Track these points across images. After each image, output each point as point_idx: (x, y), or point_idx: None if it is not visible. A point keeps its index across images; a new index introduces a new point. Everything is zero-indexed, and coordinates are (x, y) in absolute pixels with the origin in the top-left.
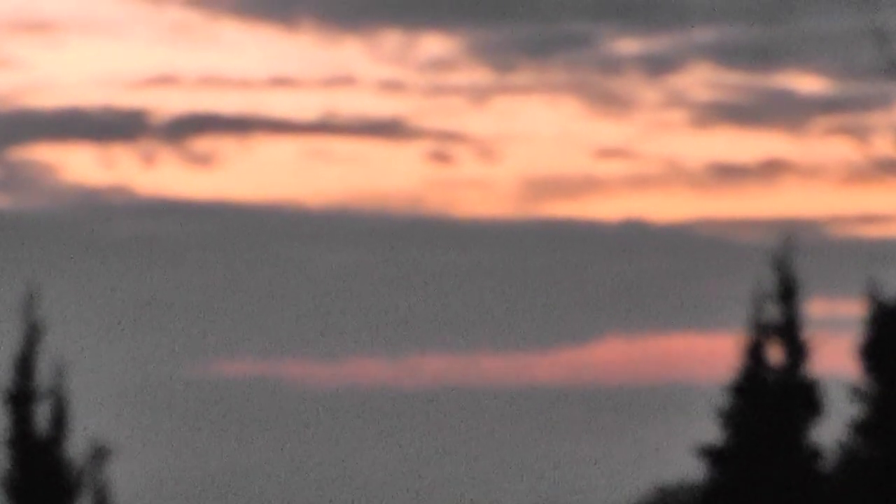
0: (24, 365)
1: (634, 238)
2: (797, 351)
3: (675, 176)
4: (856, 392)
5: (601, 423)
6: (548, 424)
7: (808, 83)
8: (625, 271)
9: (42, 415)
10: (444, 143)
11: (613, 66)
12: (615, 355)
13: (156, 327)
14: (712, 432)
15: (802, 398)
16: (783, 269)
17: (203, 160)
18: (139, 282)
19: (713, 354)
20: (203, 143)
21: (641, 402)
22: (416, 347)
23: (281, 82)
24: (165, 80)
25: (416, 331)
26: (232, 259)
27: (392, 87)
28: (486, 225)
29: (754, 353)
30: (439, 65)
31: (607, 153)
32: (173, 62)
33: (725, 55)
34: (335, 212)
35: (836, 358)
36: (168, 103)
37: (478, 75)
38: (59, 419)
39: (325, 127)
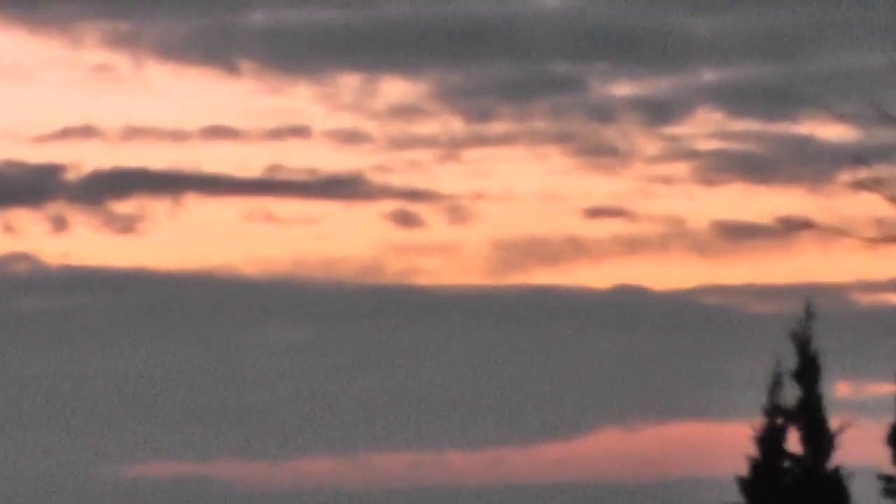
0: None
1: (629, 308)
2: (820, 438)
3: (677, 237)
4: (888, 483)
5: None
6: None
7: (830, 130)
8: (618, 347)
9: None
10: (408, 201)
11: (605, 112)
12: (608, 448)
13: (68, 421)
14: None
15: (827, 491)
16: (803, 344)
17: (126, 224)
18: (47, 362)
19: (723, 444)
20: (126, 205)
21: (640, 500)
22: (373, 442)
23: (218, 133)
24: (82, 132)
25: (373, 422)
26: (157, 337)
27: (348, 137)
28: (456, 295)
29: (771, 442)
30: (402, 112)
31: (598, 212)
32: (92, 111)
33: (735, 99)
34: (279, 282)
35: (864, 445)
36: (85, 158)
37: (447, 124)
38: None
39: (270, 185)
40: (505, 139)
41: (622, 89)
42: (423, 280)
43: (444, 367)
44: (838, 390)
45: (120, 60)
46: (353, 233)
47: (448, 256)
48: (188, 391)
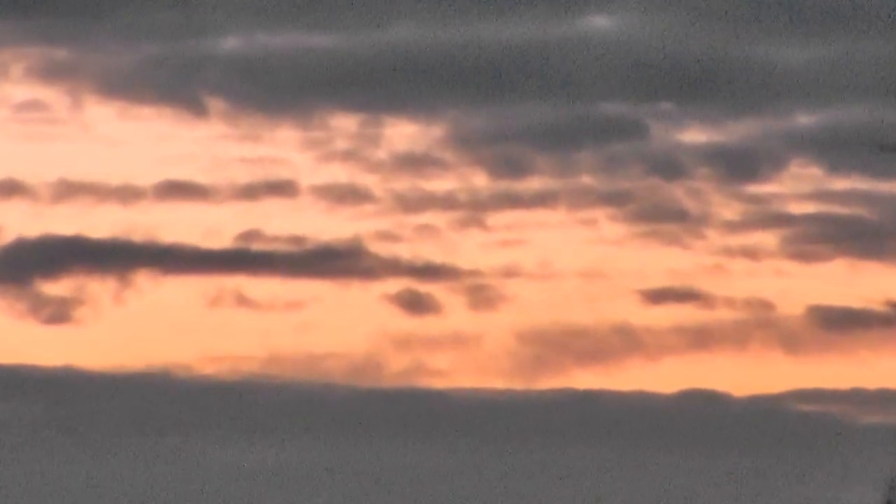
0: None
1: (700, 420)
2: None
3: (763, 328)
4: None
5: None
6: None
7: None
8: (686, 468)
9: None
10: (418, 279)
11: (670, 165)
12: None
13: None
14: None
15: None
16: None
17: (56, 311)
18: None
19: None
20: (58, 285)
21: None
22: None
23: (178, 191)
24: (3, 189)
25: None
26: (92, 453)
27: (343, 196)
28: (475, 402)
29: None
30: (411, 163)
31: (660, 295)
32: (16, 161)
33: (837, 149)
34: (250, 385)
35: None
36: (7, 223)
37: (468, 179)
38: None
39: (242, 258)
40: (542, 199)
41: (691, 136)
42: (433, 382)
43: (458, 493)
44: None
45: (53, 97)
46: (345, 321)
47: (466, 352)
48: None
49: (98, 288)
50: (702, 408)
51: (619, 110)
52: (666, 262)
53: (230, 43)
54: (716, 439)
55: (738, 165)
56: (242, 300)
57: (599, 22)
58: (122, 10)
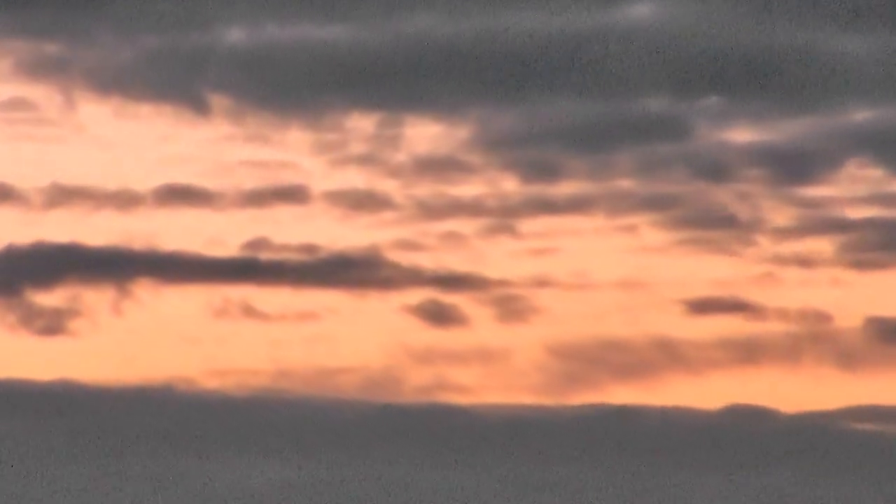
0: None
1: (747, 438)
2: None
3: (816, 341)
4: None
5: None
6: None
7: None
8: (731, 490)
9: None
10: (442, 290)
11: (716, 166)
12: None
13: None
14: None
15: None
16: None
17: (51, 322)
18: None
19: None
20: (52, 296)
21: None
22: None
23: (179, 196)
24: None
25: None
26: (91, 473)
27: (359, 202)
28: (504, 419)
29: None
30: (434, 166)
31: (704, 306)
32: (6, 165)
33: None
34: (258, 400)
35: None
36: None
37: (496, 183)
38: None
39: (250, 267)
40: (576, 204)
41: (740, 135)
42: (457, 398)
43: None
44: None
45: (43, 95)
46: (361, 333)
47: (493, 366)
48: None
49: (95, 298)
50: (748, 424)
51: (660, 107)
52: (711, 271)
53: (235, 35)
54: (763, 458)
55: (790, 166)
56: (250, 311)
57: (639, 10)
58: (117, 1)
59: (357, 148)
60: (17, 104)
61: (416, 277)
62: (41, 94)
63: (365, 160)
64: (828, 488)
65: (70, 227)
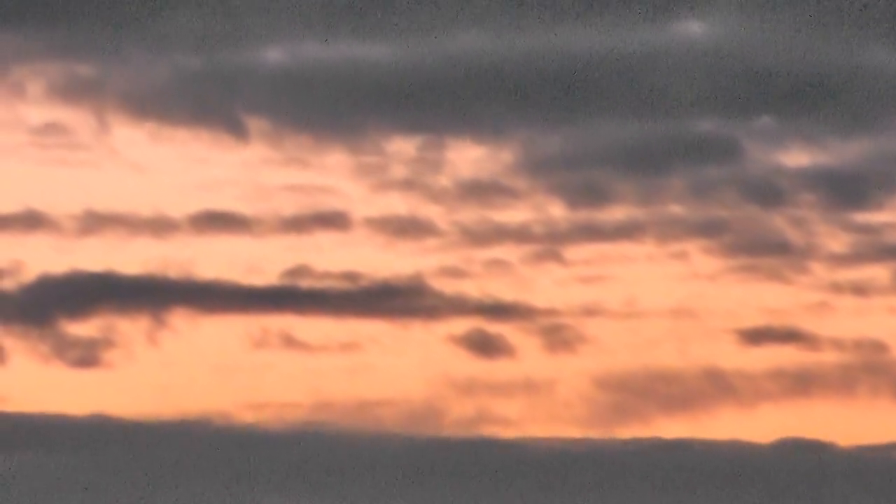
0: None
1: (801, 468)
2: None
3: (874, 372)
4: None
5: None
6: None
7: None
8: None
9: None
10: (487, 319)
11: (770, 190)
12: None
13: None
14: None
15: None
16: None
17: (85, 354)
18: None
19: None
20: (86, 326)
21: None
22: None
23: (216, 223)
24: (24, 222)
25: None
26: (126, 503)
27: (401, 228)
28: (550, 453)
29: None
30: (478, 191)
31: (757, 336)
32: (37, 191)
33: None
34: (296, 434)
35: None
36: (28, 259)
37: (542, 208)
38: None
39: (289, 296)
40: (625, 230)
41: (793, 158)
42: (501, 432)
43: None
44: None
45: (76, 118)
46: (404, 365)
47: (539, 398)
48: None
49: (130, 328)
50: (803, 459)
51: (711, 128)
52: (765, 299)
53: (274, 55)
54: (817, 493)
55: (846, 190)
56: (289, 341)
57: (690, 29)
58: (153, 20)
59: (398, 172)
60: (50, 128)
61: (460, 307)
62: (74, 117)
63: (407, 185)
64: None
65: (104, 254)
